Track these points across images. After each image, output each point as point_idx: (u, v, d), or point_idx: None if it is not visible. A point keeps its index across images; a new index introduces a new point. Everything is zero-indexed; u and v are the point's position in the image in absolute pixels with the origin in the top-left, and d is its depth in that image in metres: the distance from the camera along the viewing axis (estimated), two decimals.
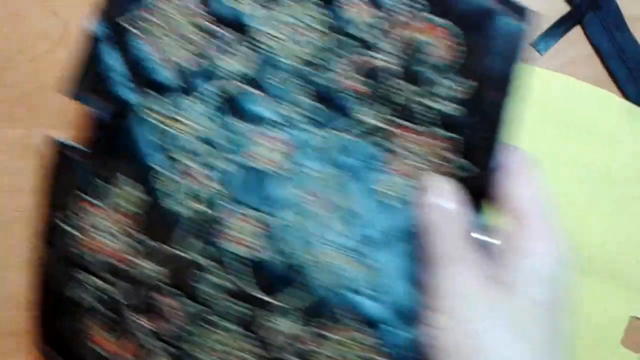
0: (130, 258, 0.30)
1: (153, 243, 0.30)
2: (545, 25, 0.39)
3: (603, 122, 0.38)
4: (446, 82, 0.27)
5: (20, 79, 0.37)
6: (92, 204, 0.31)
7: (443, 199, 0.27)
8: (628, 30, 0.39)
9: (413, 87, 0.28)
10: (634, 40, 0.39)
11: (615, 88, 0.39)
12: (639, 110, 0.38)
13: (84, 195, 0.31)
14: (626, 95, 0.39)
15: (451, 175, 0.28)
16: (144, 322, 0.30)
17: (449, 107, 0.27)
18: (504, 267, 0.26)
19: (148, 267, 0.30)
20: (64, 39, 0.37)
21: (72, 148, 0.31)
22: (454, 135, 0.27)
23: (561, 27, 0.40)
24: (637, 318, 0.37)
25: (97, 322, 0.31)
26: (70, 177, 0.31)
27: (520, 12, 0.27)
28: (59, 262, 0.32)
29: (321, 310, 0.28)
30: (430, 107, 0.28)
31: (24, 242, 0.35)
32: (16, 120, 0.37)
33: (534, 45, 0.39)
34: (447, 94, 0.27)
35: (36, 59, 0.37)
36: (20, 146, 0.37)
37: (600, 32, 0.40)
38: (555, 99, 0.39)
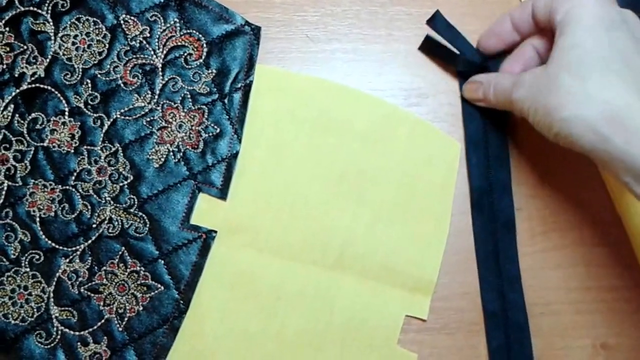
0: None
1: None
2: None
3: (357, 121, 0.38)
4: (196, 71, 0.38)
5: None
6: None
7: None
8: None
9: (172, 76, 0.38)
10: None
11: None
12: (392, 109, 0.38)
13: None
14: None
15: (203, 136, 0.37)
16: None
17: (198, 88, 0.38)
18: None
19: None
20: None
21: None
22: (202, 106, 0.38)
23: None
24: (411, 317, 0.37)
25: None
26: None
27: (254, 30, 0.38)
28: None
29: (106, 254, 0.36)
30: (185, 90, 0.37)
31: None
32: None
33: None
34: (197, 79, 0.38)
35: None
36: None
37: None
38: (310, 100, 0.38)
